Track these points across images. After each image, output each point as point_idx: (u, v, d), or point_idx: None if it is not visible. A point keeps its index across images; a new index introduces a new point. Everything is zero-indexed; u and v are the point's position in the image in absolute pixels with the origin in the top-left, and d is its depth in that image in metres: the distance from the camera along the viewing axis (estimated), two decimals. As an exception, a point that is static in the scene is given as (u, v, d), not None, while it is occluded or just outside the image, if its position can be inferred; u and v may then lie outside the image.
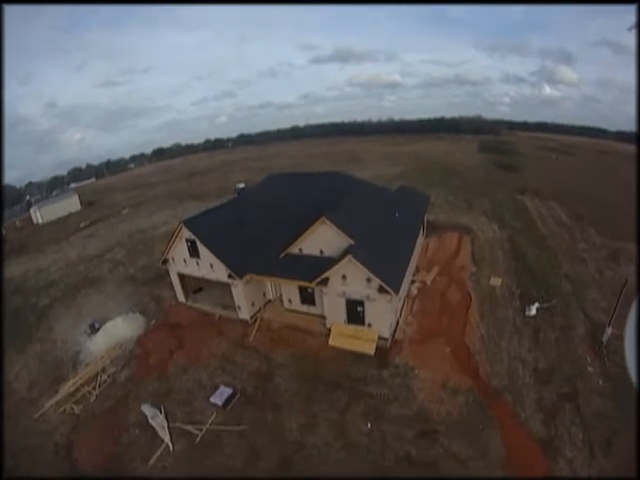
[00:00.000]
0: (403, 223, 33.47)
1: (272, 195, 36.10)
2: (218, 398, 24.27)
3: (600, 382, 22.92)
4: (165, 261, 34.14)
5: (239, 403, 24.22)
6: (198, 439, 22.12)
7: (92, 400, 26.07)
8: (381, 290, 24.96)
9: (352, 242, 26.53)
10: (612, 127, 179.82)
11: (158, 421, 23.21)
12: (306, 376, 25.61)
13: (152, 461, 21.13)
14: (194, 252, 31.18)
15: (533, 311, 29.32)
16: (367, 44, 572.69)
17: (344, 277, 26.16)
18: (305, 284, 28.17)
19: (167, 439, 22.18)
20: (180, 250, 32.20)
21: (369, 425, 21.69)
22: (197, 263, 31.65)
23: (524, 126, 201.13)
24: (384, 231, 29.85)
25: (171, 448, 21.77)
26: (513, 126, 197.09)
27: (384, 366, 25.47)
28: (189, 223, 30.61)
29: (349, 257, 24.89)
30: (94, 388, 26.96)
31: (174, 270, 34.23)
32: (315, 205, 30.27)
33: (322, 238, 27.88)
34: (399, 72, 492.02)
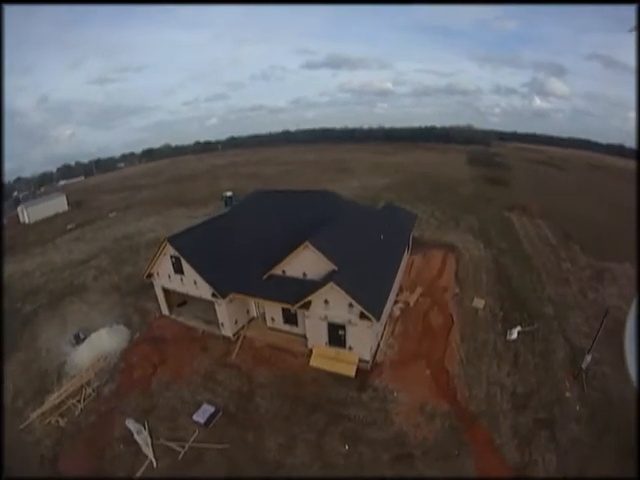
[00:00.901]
0: (388, 245, 33.77)
1: (257, 213, 36.14)
2: (201, 416, 24.43)
3: (577, 408, 23.35)
4: (150, 275, 34.14)
5: (221, 422, 24.41)
6: (181, 456, 22.34)
7: (77, 413, 26.15)
8: (362, 316, 25.26)
9: (335, 267, 26.84)
10: (602, 140, 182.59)
11: (142, 437, 23.38)
12: (287, 397, 25.82)
13: (137, 476, 21.44)
14: (178, 269, 31.26)
15: (514, 335, 29.70)
16: (361, 51, 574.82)
17: (326, 301, 26.42)
18: (287, 306, 28.41)
19: (151, 455, 22.39)
20: (165, 266, 32.23)
21: (347, 447, 22.01)
22: (181, 279, 31.72)
23: (514, 137, 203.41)
24: (368, 255, 30.10)
25: (155, 464, 21.99)
26: (503, 136, 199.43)
27: (364, 389, 25.76)
28: (174, 240, 30.58)
29: (331, 284, 25.16)
30: (79, 401, 27.01)
31: (158, 284, 34.26)
32: (300, 226, 30.61)
33: (305, 262, 28.12)
34: (392, 80, 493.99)
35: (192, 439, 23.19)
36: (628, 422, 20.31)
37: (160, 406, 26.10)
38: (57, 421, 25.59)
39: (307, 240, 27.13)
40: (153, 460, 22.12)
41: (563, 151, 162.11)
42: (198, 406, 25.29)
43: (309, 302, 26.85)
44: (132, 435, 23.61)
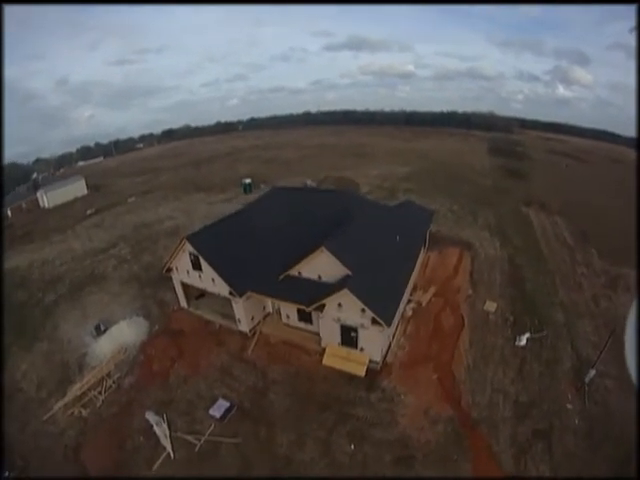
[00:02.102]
0: (404, 246, 34.02)
1: (274, 211, 36.40)
2: (216, 410, 25.48)
3: (576, 421, 23.76)
4: (169, 270, 34.90)
5: (236, 416, 25.48)
6: (197, 449, 23.51)
7: (99, 405, 27.38)
8: (374, 321, 25.94)
9: (349, 272, 27.36)
10: (625, 132, 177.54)
11: (161, 429, 24.52)
12: (299, 394, 26.75)
13: (155, 467, 22.63)
14: (197, 266, 31.98)
15: (523, 341, 29.99)
16: (381, 33, 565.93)
17: (340, 305, 27.05)
18: (302, 307, 29.14)
19: (169, 447, 23.56)
20: (183, 261, 32.95)
21: (353, 446, 22.96)
22: (199, 276, 32.45)
23: (536, 125, 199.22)
24: (383, 257, 30.42)
25: (172, 456, 23.19)
26: (525, 124, 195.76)
27: (373, 389, 26.55)
28: (193, 239, 31.26)
29: (345, 290, 25.76)
30: (100, 393, 28.21)
31: (177, 279, 35.06)
32: (317, 225, 31.48)
33: (321, 265, 28.66)
34: (413, 63, 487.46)
35: (208, 433, 24.26)
36: (624, 438, 20.88)
37: (178, 399, 27.20)
38: (80, 412, 26.83)
39: (323, 244, 27.67)
40: (171, 452, 23.29)
41: (585, 142, 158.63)
42: (214, 400, 26.34)
43: (323, 305, 27.55)
44: (151, 427, 24.79)
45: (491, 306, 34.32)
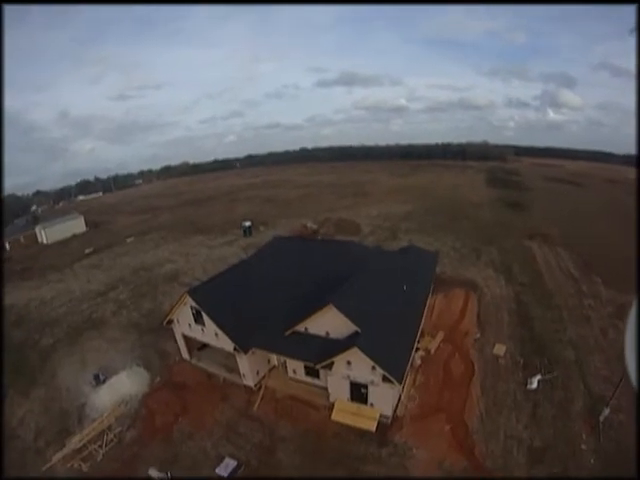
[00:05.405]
0: (411, 295, 33.56)
1: (278, 264, 36.04)
2: (223, 470, 24.57)
3: (592, 461, 23.22)
4: (170, 322, 34.06)
5: (243, 476, 24.48)
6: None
7: (99, 459, 26.38)
8: (385, 379, 25.25)
9: (358, 329, 26.73)
10: (618, 150, 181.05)
11: (167, 487, 23.52)
12: (308, 452, 25.79)
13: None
14: (199, 319, 31.24)
15: (534, 384, 29.39)
16: (373, 68, 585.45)
17: (349, 363, 26.41)
18: (310, 365, 28.50)
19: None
20: (185, 314, 32.20)
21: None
22: (202, 330, 31.62)
23: (530, 151, 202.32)
24: (391, 310, 30.02)
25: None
26: (519, 151, 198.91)
27: (384, 444, 25.68)
28: (194, 293, 30.68)
29: (355, 348, 25.13)
30: (101, 446, 27.22)
31: (179, 331, 34.20)
32: (321, 279, 31.12)
33: (328, 322, 28.02)
34: (405, 97, 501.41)
35: (216, 493, 23.27)
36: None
37: (182, 456, 26.22)
38: (80, 465, 25.85)
39: (330, 301, 27.16)
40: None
41: (580, 165, 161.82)
42: (220, 458, 25.43)
43: (332, 362, 26.84)
44: (156, 485, 23.81)
45: (500, 349, 33.67)
